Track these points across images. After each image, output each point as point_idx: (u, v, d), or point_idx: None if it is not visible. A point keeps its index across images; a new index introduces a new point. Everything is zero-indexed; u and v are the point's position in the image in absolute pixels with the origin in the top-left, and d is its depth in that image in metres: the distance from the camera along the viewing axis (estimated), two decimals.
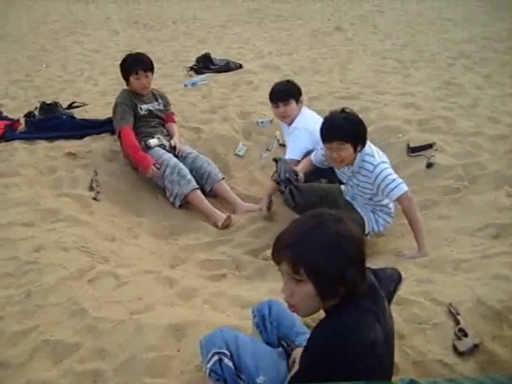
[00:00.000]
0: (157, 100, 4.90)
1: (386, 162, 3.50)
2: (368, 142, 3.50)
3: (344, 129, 3.34)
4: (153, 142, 4.63)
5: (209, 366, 1.99)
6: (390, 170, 3.45)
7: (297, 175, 3.75)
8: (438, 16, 12.07)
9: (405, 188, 3.40)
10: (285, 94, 4.30)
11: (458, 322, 2.48)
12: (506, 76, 7.05)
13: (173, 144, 4.73)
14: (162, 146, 4.66)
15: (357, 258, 1.67)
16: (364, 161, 3.46)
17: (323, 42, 9.86)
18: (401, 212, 4.11)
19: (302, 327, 2.29)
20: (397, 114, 5.56)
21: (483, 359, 2.34)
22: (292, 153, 4.20)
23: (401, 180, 3.43)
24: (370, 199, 3.65)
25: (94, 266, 3.24)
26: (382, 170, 3.42)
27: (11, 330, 2.69)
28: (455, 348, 2.36)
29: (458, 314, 2.52)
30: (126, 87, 4.80)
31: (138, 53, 4.86)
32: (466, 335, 2.40)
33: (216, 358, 1.99)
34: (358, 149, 3.40)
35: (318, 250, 1.62)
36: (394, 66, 7.86)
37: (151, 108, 4.80)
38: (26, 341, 2.62)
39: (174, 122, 5.09)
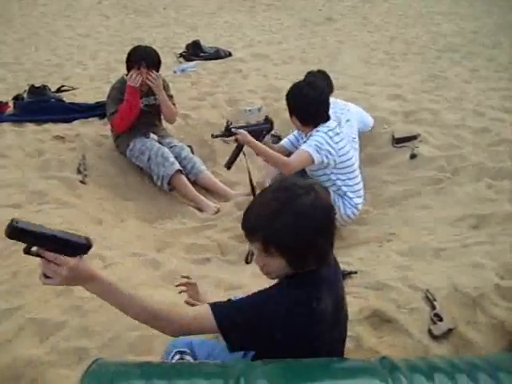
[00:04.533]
0: (154, 94, 4.61)
1: (330, 142, 3.54)
2: (336, 127, 3.65)
3: (288, 99, 3.67)
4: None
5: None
6: (322, 140, 3.52)
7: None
8: (427, 9, 12.12)
9: (309, 150, 3.49)
10: None
11: (434, 308, 2.56)
12: (492, 70, 7.13)
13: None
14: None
15: (328, 228, 1.66)
16: (317, 130, 3.59)
17: (313, 32, 9.90)
18: (383, 201, 4.23)
19: None
20: (383, 105, 5.62)
21: (457, 343, 2.41)
22: None
23: (320, 148, 3.50)
24: (320, 175, 3.70)
25: None
26: (316, 134, 3.55)
27: None
28: (430, 332, 2.43)
29: (435, 300, 2.59)
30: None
31: (146, 47, 4.66)
32: (441, 320, 2.47)
33: (178, 356, 1.97)
34: (296, 119, 3.62)
35: (290, 229, 1.59)
36: (383, 57, 7.93)
37: (142, 104, 4.57)
38: (12, 319, 2.66)
39: None
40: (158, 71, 4.54)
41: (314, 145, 3.49)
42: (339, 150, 3.59)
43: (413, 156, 4.58)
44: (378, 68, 7.29)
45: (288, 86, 6.09)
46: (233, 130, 3.61)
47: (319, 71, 4.54)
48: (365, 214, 4.07)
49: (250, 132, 3.67)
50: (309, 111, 3.60)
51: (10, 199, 3.82)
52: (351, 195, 3.72)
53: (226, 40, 9.19)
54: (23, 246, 3.20)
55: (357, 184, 3.76)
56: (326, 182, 3.66)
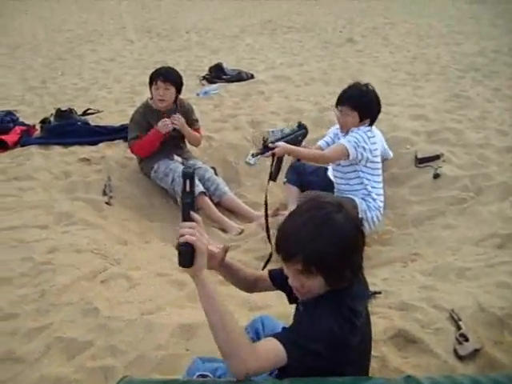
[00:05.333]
0: None
1: (367, 141, 3.71)
2: (376, 130, 3.94)
3: (357, 98, 3.74)
4: None
5: None
6: (361, 138, 3.69)
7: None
8: (449, 29, 12.13)
9: (347, 145, 3.67)
10: None
11: (459, 328, 2.54)
12: None
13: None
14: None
15: (361, 241, 1.69)
16: (359, 129, 3.75)
17: (334, 53, 9.96)
18: (407, 221, 4.21)
19: None
20: (406, 125, 5.62)
21: (484, 363, 2.39)
22: None
23: (357, 145, 3.68)
24: (349, 172, 3.88)
25: (106, 268, 3.33)
26: (357, 132, 3.72)
27: (26, 327, 2.77)
28: (456, 352, 2.41)
29: (460, 320, 2.58)
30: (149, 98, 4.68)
31: (168, 67, 4.75)
32: (467, 340, 2.45)
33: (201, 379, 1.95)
34: (365, 122, 3.76)
35: (329, 248, 1.60)
36: (404, 78, 7.94)
37: None
38: (40, 337, 2.70)
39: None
40: (179, 92, 4.64)
41: (352, 141, 3.68)
42: (374, 150, 3.78)
43: (436, 176, 4.57)
44: (400, 88, 7.30)
45: (310, 107, 6.14)
46: (270, 145, 3.65)
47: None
48: (388, 234, 4.07)
49: (287, 142, 3.75)
50: (377, 113, 3.83)
51: (38, 220, 3.89)
52: (375, 196, 3.87)
53: (248, 62, 9.29)
54: (50, 266, 3.24)
55: (380, 188, 3.94)
56: (353, 179, 3.88)
